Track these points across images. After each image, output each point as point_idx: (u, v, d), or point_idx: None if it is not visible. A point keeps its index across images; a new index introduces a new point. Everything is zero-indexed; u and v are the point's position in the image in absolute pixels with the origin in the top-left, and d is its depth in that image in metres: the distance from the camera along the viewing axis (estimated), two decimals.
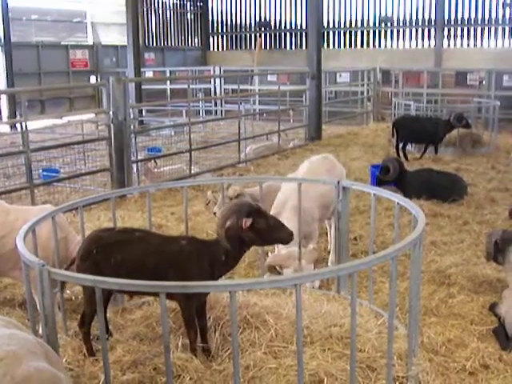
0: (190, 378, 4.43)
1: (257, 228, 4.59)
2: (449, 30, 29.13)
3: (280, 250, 6.71)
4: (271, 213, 7.12)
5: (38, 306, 4.09)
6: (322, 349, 4.78)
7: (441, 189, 10.38)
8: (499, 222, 9.23)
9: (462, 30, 28.95)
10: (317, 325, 5.14)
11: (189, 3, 35.05)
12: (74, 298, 6.52)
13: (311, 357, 4.63)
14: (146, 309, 5.77)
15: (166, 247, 4.79)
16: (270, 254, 6.88)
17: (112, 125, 10.92)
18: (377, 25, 30.98)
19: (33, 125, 13.84)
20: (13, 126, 21.26)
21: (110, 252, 4.75)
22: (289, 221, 6.36)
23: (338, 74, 25.32)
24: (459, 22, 28.95)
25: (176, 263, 4.66)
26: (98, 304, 3.89)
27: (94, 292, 3.91)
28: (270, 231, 4.68)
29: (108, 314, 5.39)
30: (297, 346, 3.81)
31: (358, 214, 9.79)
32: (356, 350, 4.17)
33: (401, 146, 14.80)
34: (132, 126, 12.27)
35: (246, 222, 4.54)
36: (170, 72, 28.42)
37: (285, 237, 4.81)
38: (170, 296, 4.63)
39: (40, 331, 4.47)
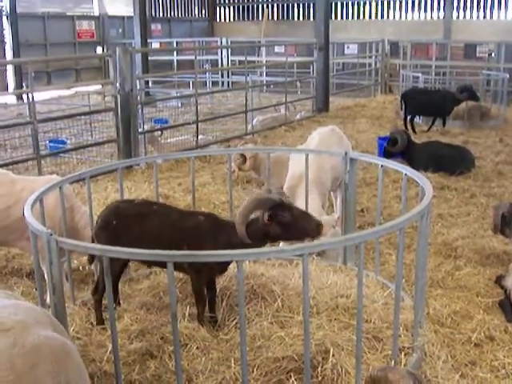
0: (197, 347, 4.47)
1: (282, 222, 4.40)
2: (458, 2, 28.77)
3: None
4: (286, 185, 7.14)
5: (46, 276, 4.11)
6: (328, 319, 4.80)
7: (448, 161, 10.34)
8: (506, 195, 9.21)
9: (472, 2, 28.57)
10: (323, 295, 5.16)
11: None
12: (81, 267, 6.55)
13: (317, 327, 4.65)
14: (153, 278, 5.79)
15: (182, 222, 4.78)
16: None
17: (119, 96, 10.89)
18: None
19: (39, 96, 13.79)
20: (19, 97, 21.24)
21: (129, 223, 4.77)
22: (310, 193, 6.49)
23: (345, 46, 25.13)
24: None
25: (191, 238, 4.63)
26: (106, 273, 3.90)
27: (108, 260, 3.91)
28: (296, 224, 4.43)
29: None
30: (303, 316, 3.81)
31: (364, 185, 9.77)
32: (362, 320, 4.18)
33: (409, 118, 14.73)
34: (138, 97, 12.22)
35: (265, 217, 4.40)
36: (177, 43, 28.26)
37: (313, 229, 4.48)
38: (182, 268, 4.66)
39: (48, 301, 4.49)
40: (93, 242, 4.95)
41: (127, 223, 4.78)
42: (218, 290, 5.09)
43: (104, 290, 4.90)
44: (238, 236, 4.43)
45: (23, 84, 24.08)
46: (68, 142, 13.22)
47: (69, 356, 2.90)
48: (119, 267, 4.86)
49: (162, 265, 4.75)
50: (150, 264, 5.41)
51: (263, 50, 26.09)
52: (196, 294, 4.81)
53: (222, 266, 4.75)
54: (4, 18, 25.32)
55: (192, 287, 4.82)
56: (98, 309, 4.98)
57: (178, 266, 4.27)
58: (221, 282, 5.25)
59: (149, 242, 4.53)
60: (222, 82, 25.46)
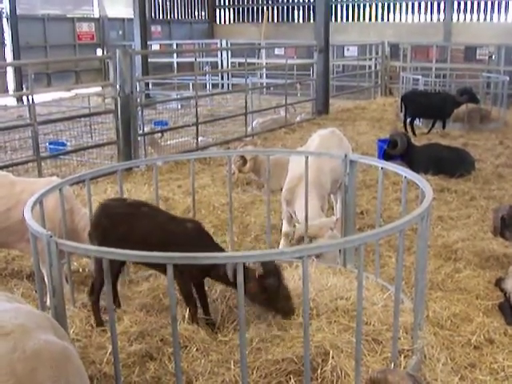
0: (197, 349, 4.47)
1: (264, 286, 4.54)
2: (458, 4, 28.78)
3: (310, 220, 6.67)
4: (285, 187, 7.12)
5: (46, 278, 4.10)
6: (328, 321, 4.80)
7: (448, 164, 10.35)
8: (506, 197, 9.20)
9: (472, 4, 28.59)
10: (323, 298, 5.15)
11: None
12: (81, 269, 6.56)
13: (317, 329, 4.65)
14: (153, 281, 5.80)
15: (170, 226, 4.82)
16: (296, 225, 6.81)
17: (119, 98, 10.90)
18: None
19: (39, 98, 13.81)
20: (19, 99, 21.24)
21: (117, 221, 4.78)
22: (309, 195, 6.46)
23: (345, 48, 25.15)
24: None
25: (179, 244, 4.62)
26: (106, 275, 3.90)
27: (108, 262, 3.91)
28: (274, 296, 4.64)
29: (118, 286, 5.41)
30: (303, 319, 3.81)
31: (364, 188, 9.76)
32: (362, 322, 4.18)
33: (408, 120, 14.74)
34: (138, 99, 12.23)
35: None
36: (177, 45, 28.28)
37: (285, 311, 4.75)
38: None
39: (48, 303, 4.49)
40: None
41: (115, 221, 4.82)
42: (217, 293, 5.10)
43: (100, 290, 4.92)
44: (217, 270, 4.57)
45: (23, 86, 24.07)
46: (68, 143, 13.23)
47: (69, 360, 2.90)
48: (116, 268, 4.86)
49: (156, 266, 4.83)
50: (146, 266, 5.43)
51: (263, 52, 26.09)
52: (184, 296, 4.85)
53: (204, 272, 4.77)
54: (4, 20, 25.29)
55: (179, 290, 4.85)
56: (96, 310, 4.98)
57: (164, 269, 4.21)
58: (220, 284, 5.25)
59: (136, 244, 4.54)
60: (222, 84, 25.46)
